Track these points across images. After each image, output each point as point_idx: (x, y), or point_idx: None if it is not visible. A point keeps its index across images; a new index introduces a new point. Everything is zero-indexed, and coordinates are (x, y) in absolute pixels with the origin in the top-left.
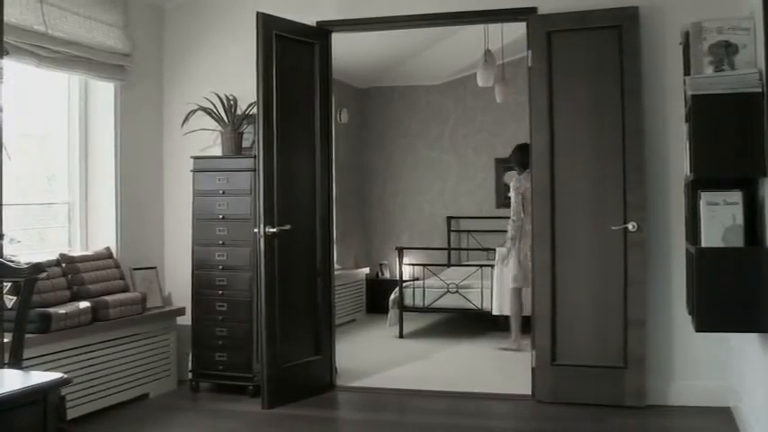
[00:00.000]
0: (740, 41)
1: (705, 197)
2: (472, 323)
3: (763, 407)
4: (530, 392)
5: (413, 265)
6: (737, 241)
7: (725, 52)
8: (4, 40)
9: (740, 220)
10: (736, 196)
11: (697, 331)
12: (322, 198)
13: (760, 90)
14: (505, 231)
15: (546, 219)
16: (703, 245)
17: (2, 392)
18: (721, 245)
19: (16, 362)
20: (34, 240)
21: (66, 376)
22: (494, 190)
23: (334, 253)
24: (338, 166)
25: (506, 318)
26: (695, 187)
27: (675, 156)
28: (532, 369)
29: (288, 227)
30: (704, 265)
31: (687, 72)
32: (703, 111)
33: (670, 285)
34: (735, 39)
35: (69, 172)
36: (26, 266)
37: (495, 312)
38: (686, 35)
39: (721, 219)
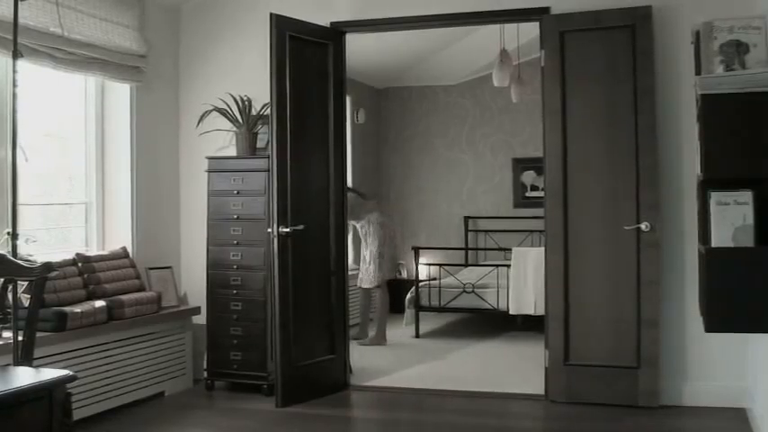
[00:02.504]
0: (751, 41)
1: (715, 197)
2: (488, 323)
3: None
4: (543, 392)
5: (430, 264)
6: (748, 241)
7: (735, 51)
8: (21, 42)
9: (751, 219)
10: (747, 196)
11: (707, 331)
12: (336, 198)
13: None
14: (521, 231)
15: (559, 219)
16: (713, 245)
17: (8, 388)
18: (731, 245)
19: (27, 359)
20: (58, 240)
21: (72, 373)
22: (511, 190)
23: (348, 253)
24: (356, 166)
25: (524, 317)
26: (705, 187)
27: (689, 155)
28: (546, 369)
29: (301, 227)
30: (714, 265)
31: (698, 72)
32: (713, 110)
33: (684, 285)
34: (746, 38)
35: (86, 172)
36: (37, 266)
37: (511, 312)
38: (697, 34)
39: (732, 219)
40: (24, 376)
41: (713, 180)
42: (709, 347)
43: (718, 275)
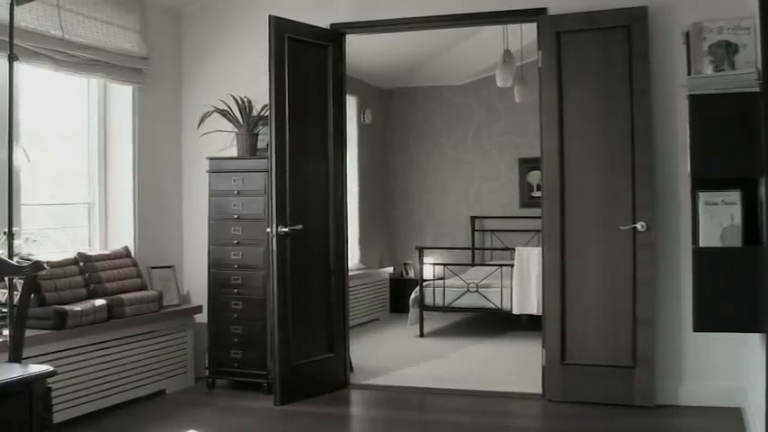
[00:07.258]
0: (740, 41)
1: (703, 197)
2: (492, 322)
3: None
4: (541, 391)
5: (434, 264)
6: (735, 241)
7: (725, 52)
8: (21, 45)
9: (738, 219)
10: (735, 196)
11: (695, 331)
12: (336, 198)
13: (758, 89)
14: (527, 231)
15: (556, 218)
16: (701, 245)
17: None
18: (719, 245)
19: (15, 356)
20: (71, 240)
21: (52, 368)
22: (517, 190)
23: (347, 252)
24: (362, 166)
25: (529, 317)
26: (695, 187)
27: (685, 155)
28: (543, 368)
29: (300, 226)
30: (702, 265)
31: (690, 72)
32: (701, 111)
33: (679, 285)
34: (735, 38)
35: (89, 172)
36: (26, 265)
37: (514, 312)
38: (687, 35)
39: (720, 219)
40: (7, 372)
41: (704, 180)
42: (705, 347)
43: (706, 275)
